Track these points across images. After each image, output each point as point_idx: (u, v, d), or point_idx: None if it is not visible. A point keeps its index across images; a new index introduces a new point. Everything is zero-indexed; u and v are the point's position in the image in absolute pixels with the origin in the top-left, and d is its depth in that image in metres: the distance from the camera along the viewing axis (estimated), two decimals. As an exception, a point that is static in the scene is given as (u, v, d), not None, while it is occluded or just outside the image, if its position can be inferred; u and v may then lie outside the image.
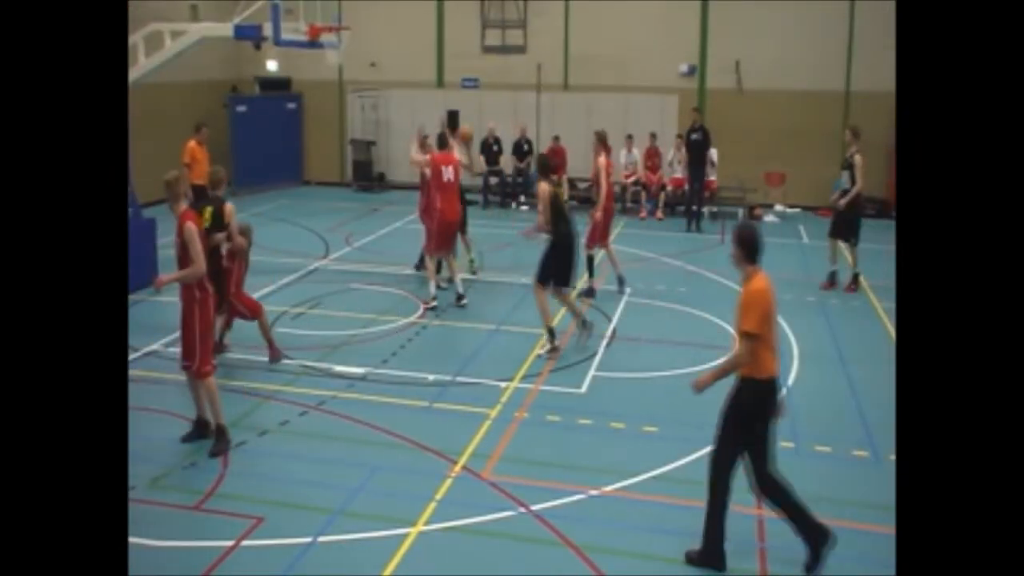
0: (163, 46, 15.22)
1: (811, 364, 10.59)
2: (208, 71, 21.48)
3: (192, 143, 15.19)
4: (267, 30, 14.91)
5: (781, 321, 12.10)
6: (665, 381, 9.97)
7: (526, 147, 21.02)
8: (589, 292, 13.16)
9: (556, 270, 10.80)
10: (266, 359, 10.25)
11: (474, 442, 8.32)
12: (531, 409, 9.11)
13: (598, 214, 13.13)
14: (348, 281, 13.77)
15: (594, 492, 7.41)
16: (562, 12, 21.47)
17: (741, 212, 20.06)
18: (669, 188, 19.85)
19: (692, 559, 6.47)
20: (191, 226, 7.85)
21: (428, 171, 12.73)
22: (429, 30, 22.47)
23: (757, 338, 6.11)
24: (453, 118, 12.59)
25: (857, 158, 13.48)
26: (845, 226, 13.69)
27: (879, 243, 16.75)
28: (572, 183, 20.54)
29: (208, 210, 9.54)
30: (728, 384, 6.37)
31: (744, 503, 7.31)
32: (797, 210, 20.47)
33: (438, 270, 13.29)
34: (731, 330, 11.70)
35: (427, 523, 6.92)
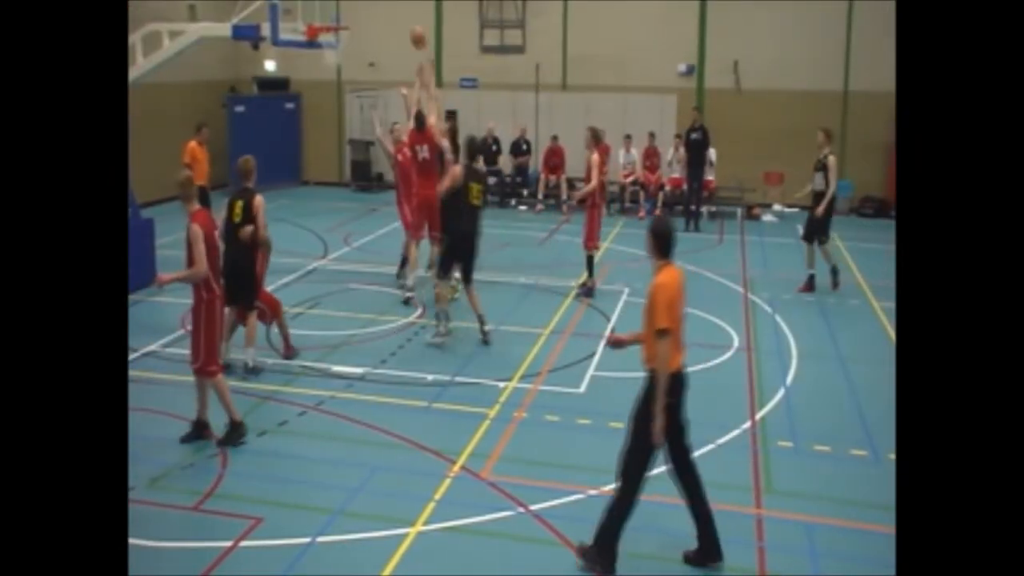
0: (161, 46, 15.21)
1: (810, 363, 10.59)
2: (206, 71, 21.47)
3: (193, 143, 15.20)
4: (265, 30, 14.89)
5: (779, 320, 12.18)
6: (664, 381, 9.95)
7: (525, 147, 21.02)
8: (588, 292, 13.16)
9: (453, 264, 11.07)
10: (266, 359, 10.25)
11: (473, 442, 8.32)
12: (530, 409, 9.11)
13: (576, 195, 13.46)
14: (347, 281, 13.76)
15: (593, 492, 7.41)
16: (560, 12, 21.47)
17: (740, 212, 20.08)
18: (667, 188, 19.85)
19: (586, 555, 6.35)
20: (195, 228, 7.93)
21: (400, 156, 12.85)
22: (427, 30, 22.44)
23: (669, 332, 6.09)
24: (420, 119, 12.52)
25: (831, 159, 13.32)
26: (818, 228, 13.45)
27: (879, 243, 16.78)
28: (571, 183, 20.60)
29: (239, 203, 9.55)
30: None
31: (743, 503, 7.32)
32: (795, 210, 20.45)
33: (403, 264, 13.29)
34: (730, 330, 11.73)
35: (426, 523, 6.92)
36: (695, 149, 18.32)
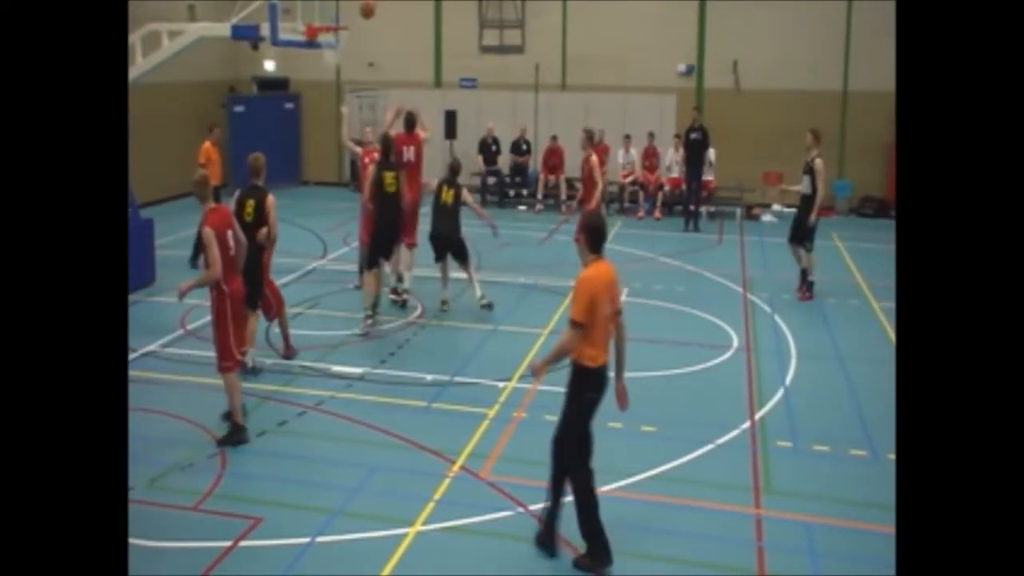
0: (161, 46, 15.20)
1: (810, 363, 10.59)
2: (206, 71, 21.47)
3: (207, 144, 15.29)
4: (265, 30, 14.88)
5: (779, 320, 12.19)
6: (663, 381, 9.97)
7: (524, 147, 21.03)
8: None
9: (379, 256, 11.67)
10: (265, 359, 10.25)
11: (472, 442, 8.32)
12: (529, 409, 9.11)
13: (591, 204, 13.16)
14: (346, 281, 13.75)
15: (593, 492, 7.40)
16: (560, 12, 21.47)
17: (739, 212, 20.08)
18: (667, 188, 19.86)
19: (581, 564, 6.33)
20: (207, 231, 8.00)
21: (367, 159, 12.64)
22: (427, 30, 22.47)
23: (582, 327, 6.10)
24: (411, 119, 12.58)
25: (818, 162, 12.94)
26: (805, 233, 13.15)
27: (879, 243, 16.79)
28: (571, 183, 20.61)
29: (250, 202, 9.55)
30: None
31: (742, 503, 7.33)
32: (795, 210, 20.45)
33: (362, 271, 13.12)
34: (730, 330, 11.74)
35: (425, 523, 6.92)
36: (694, 149, 18.32)
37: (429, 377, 9.95)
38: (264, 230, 9.58)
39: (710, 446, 8.28)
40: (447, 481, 7.60)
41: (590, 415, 6.34)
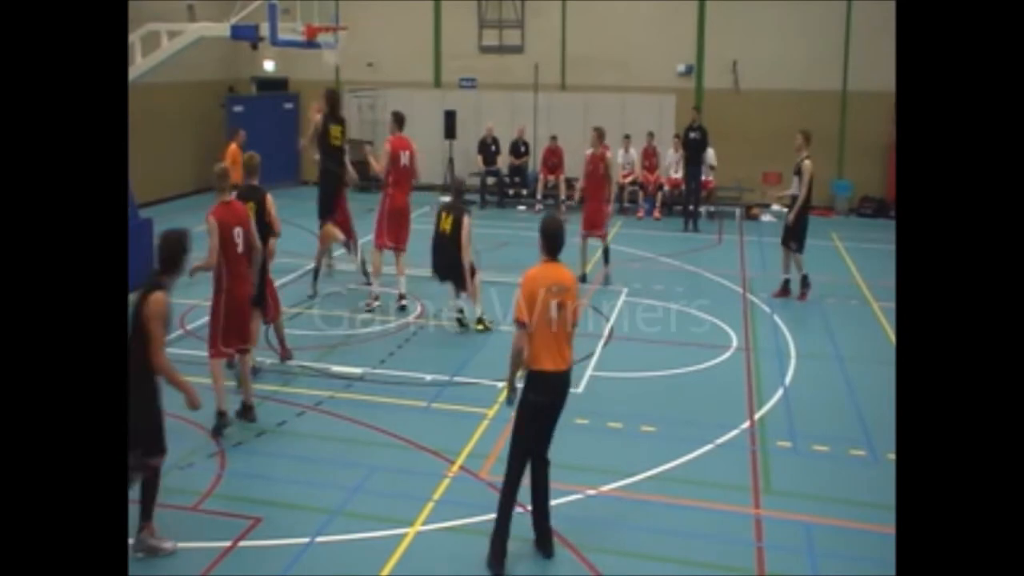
0: (160, 46, 15.22)
1: (809, 363, 10.60)
2: (205, 71, 21.46)
3: (233, 146, 15.38)
4: (264, 30, 14.90)
5: (778, 320, 12.19)
6: (663, 381, 9.97)
7: (523, 149, 21.02)
8: (582, 278, 13.41)
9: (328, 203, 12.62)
10: (264, 359, 10.24)
11: (472, 442, 8.32)
12: (529, 409, 9.09)
13: (608, 208, 13.97)
14: (345, 282, 13.75)
15: (591, 492, 7.41)
16: (559, 12, 21.47)
17: (738, 212, 20.08)
18: (666, 188, 19.86)
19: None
20: (211, 220, 8.26)
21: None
22: (426, 30, 22.46)
23: (523, 326, 6.11)
24: (401, 118, 12.64)
25: (806, 164, 12.83)
26: (792, 235, 13.06)
27: (879, 243, 16.79)
28: (570, 183, 20.61)
29: (250, 204, 9.53)
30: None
31: (742, 503, 7.33)
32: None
33: (332, 261, 13.53)
34: (729, 330, 11.74)
35: (425, 523, 6.92)
36: (693, 149, 18.32)
37: (429, 377, 9.95)
38: (273, 241, 9.71)
39: (710, 446, 8.28)
40: (447, 481, 7.60)
41: (532, 421, 6.25)
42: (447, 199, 11.99)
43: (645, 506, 7.29)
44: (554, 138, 20.53)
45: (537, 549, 6.50)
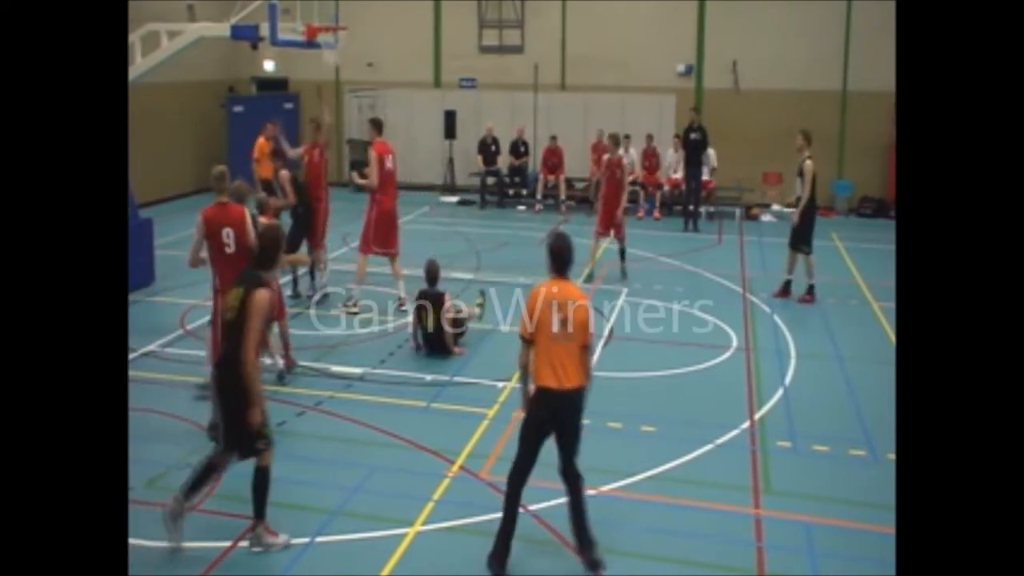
0: (160, 46, 15.20)
1: (809, 363, 10.59)
2: (205, 71, 21.45)
3: (261, 140, 15.59)
4: (264, 30, 14.88)
5: (778, 320, 12.19)
6: (662, 381, 9.97)
7: (522, 149, 21.02)
8: (588, 277, 13.69)
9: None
10: (263, 360, 10.19)
11: (472, 442, 8.32)
12: (529, 409, 9.09)
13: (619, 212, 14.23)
14: (345, 282, 13.74)
15: (592, 492, 7.38)
16: (559, 12, 21.46)
17: (738, 212, 20.09)
18: (666, 188, 19.86)
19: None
20: (199, 219, 8.35)
21: (307, 158, 13.47)
22: (426, 30, 22.45)
23: (525, 340, 6.19)
24: (379, 122, 12.80)
25: (807, 164, 12.79)
26: (799, 237, 13.00)
27: (879, 243, 16.79)
28: (570, 183, 20.63)
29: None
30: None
31: (742, 503, 7.33)
32: (794, 210, 20.46)
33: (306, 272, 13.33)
34: (729, 330, 11.74)
35: (425, 523, 6.92)
36: (693, 149, 18.32)
37: (429, 377, 9.95)
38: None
39: (710, 446, 8.28)
40: (446, 481, 7.60)
41: (527, 434, 6.28)
42: (424, 288, 10.77)
43: (645, 506, 7.29)
44: (554, 138, 20.54)
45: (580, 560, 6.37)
